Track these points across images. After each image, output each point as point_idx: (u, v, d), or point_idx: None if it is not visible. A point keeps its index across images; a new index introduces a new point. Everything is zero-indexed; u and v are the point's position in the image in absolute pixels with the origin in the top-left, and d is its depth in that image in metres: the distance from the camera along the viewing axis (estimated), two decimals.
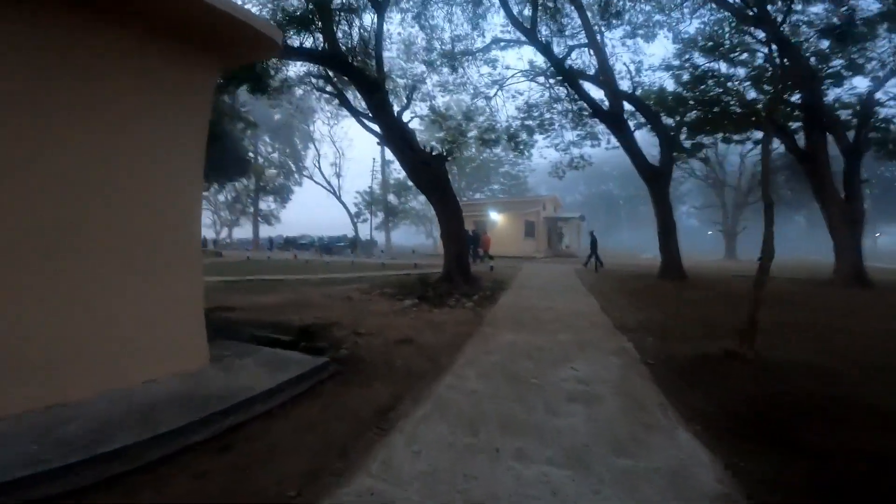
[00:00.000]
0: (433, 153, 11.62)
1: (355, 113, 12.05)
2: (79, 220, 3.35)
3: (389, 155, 42.46)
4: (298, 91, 22.98)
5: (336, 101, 12.54)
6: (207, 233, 53.80)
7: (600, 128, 18.71)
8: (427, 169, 11.01)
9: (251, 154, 35.93)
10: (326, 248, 34.09)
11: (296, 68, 13.00)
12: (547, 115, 18.56)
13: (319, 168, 43.73)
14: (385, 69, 11.77)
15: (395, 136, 11.18)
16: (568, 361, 4.98)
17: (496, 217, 29.14)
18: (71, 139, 3.31)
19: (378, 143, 11.22)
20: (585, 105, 16.78)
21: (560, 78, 16.14)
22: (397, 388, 4.14)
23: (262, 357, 4.66)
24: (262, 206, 41.81)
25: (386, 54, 15.14)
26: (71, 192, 3.31)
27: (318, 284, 12.48)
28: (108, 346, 3.54)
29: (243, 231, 48.90)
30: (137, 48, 3.65)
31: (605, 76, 15.47)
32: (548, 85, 18.03)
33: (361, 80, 10.80)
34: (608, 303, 9.24)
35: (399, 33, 23.41)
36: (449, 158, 13.85)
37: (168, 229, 3.88)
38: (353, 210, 42.57)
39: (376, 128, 11.75)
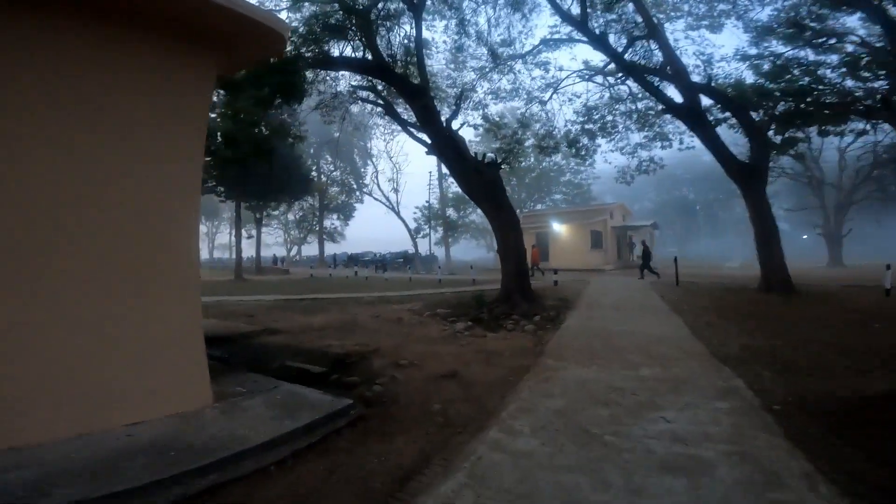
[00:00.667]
0: (485, 160, 10.75)
1: (403, 123, 11.56)
2: (50, 234, 2.86)
3: (446, 168, 42.45)
4: (353, 108, 23.37)
5: (385, 113, 12.13)
6: (279, 251, 56.92)
7: (670, 127, 16.87)
8: (479, 178, 10.15)
9: (314, 173, 37.38)
10: (382, 264, 34.12)
11: (345, 80, 12.85)
12: (609, 118, 17.04)
13: (378, 184, 44.61)
14: (429, 76, 11.20)
15: (443, 144, 10.48)
16: (656, 408, 3.78)
17: (559, 228, 27.52)
18: (42, 147, 2.84)
19: (427, 153, 10.50)
20: (652, 103, 15.13)
21: (621, 75, 14.67)
22: (428, 443, 3.23)
23: (278, 396, 3.97)
24: (327, 223, 43.34)
25: (432, 63, 14.73)
26: (42, 203, 2.83)
27: (372, 303, 11.97)
28: (85, 382, 3.00)
29: (312, 248, 50.87)
30: (123, 44, 3.16)
31: (674, 68, 13.80)
32: (607, 84, 16.61)
33: (403, 85, 10.27)
34: (700, 324, 7.69)
35: (444, 41, 22.95)
36: (503, 166, 12.93)
37: (160, 246, 3.33)
38: (413, 225, 42.74)
39: (426, 138, 11.15)
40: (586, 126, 16.98)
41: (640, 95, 16.09)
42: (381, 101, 11.49)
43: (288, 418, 3.41)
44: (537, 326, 7.82)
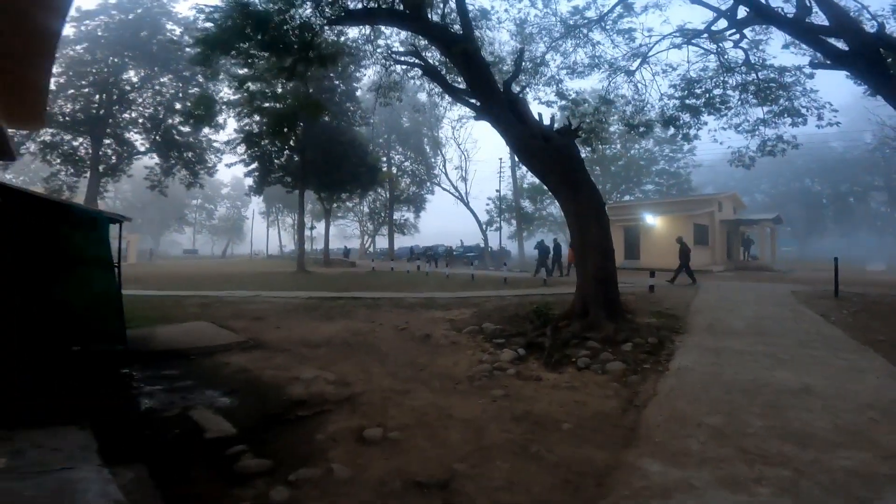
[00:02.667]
0: (554, 126, 7.97)
1: (447, 86, 9.08)
2: None
3: (504, 142, 39.26)
4: (420, 95, 21.64)
5: (424, 74, 9.77)
6: (352, 243, 57.53)
7: (803, 101, 12.55)
8: (546, 150, 7.39)
9: (384, 163, 36.28)
10: (433, 257, 31.66)
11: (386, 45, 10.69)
12: (717, 91, 13.16)
13: (445, 173, 42.40)
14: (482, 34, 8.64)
15: (497, 107, 7.85)
16: None
17: (653, 221, 23.25)
18: None
19: (476, 118, 7.95)
20: (773, 74, 11.39)
21: (733, 32, 11.02)
22: None
23: None
24: (398, 215, 42.29)
25: (494, 35, 12.30)
26: None
27: (410, 308, 9.76)
28: None
29: (387, 241, 50.34)
30: None
31: (832, 11, 9.78)
32: (717, 49, 12.83)
33: (431, 30, 7.92)
34: None
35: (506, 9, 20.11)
36: (580, 135, 9.96)
37: None
38: (484, 218, 40.17)
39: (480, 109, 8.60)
40: (687, 101, 13.31)
41: (757, 62, 12.36)
42: (420, 63, 9.12)
43: None
44: (627, 364, 4.98)
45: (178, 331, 6.73)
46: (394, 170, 39.29)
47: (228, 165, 23.70)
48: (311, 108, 9.75)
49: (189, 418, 3.33)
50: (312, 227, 32.53)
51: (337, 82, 24.21)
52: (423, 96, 25.19)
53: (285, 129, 9.40)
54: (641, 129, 14.60)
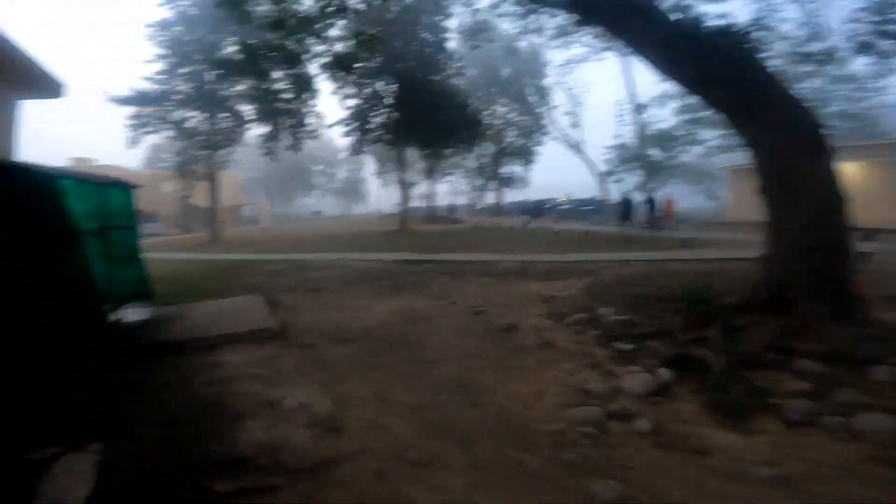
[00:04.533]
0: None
1: None
2: None
3: (644, 96, 32.94)
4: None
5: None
6: (458, 199, 56.37)
7: None
8: (704, 50, 4.42)
9: (487, 116, 33.43)
10: (535, 212, 28.17)
11: None
12: None
13: (555, 121, 37.66)
14: None
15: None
16: None
17: (856, 167, 16.94)
18: None
19: (584, 22, 5.11)
20: None
21: None
22: None
23: None
24: (505, 169, 39.47)
25: None
26: None
27: (502, 276, 7.70)
28: None
29: (498, 196, 47.85)
30: None
31: None
32: None
33: None
34: None
35: None
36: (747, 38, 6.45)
37: None
38: (603, 168, 35.25)
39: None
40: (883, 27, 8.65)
41: None
42: None
43: None
44: (881, 416, 2.35)
45: (211, 309, 5.69)
46: (497, 122, 36.20)
47: (329, 126, 23.43)
48: (368, 41, 7.89)
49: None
50: (413, 185, 31.71)
51: (425, 34, 22.14)
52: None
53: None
54: (819, 59, 10.48)
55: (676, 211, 18.38)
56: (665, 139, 34.26)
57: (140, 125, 19.43)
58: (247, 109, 21.46)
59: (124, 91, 18.81)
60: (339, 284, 7.39)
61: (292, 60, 7.38)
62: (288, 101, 21.35)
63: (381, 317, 5.18)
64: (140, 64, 26.24)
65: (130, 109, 19.16)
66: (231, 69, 7.58)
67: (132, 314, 5.52)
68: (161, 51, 18.25)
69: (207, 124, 20.37)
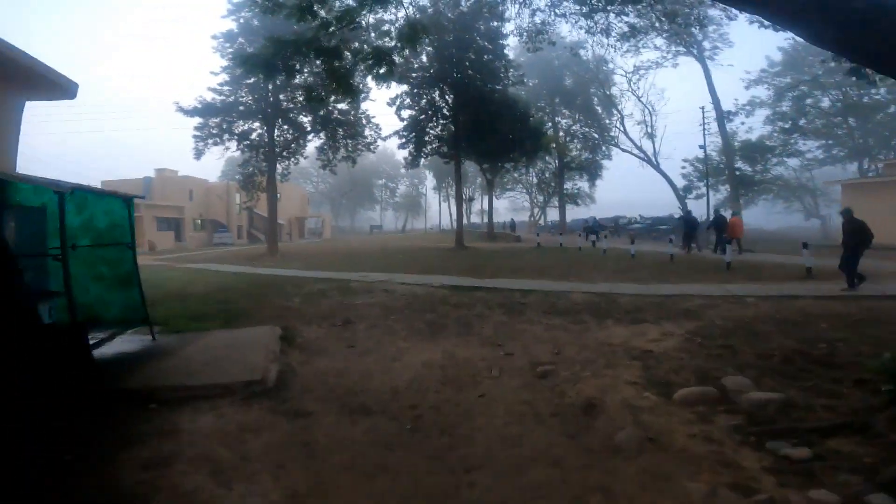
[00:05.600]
0: None
1: None
2: None
3: (730, 103, 29.58)
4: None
5: None
6: (522, 216, 54.48)
7: None
8: None
9: (549, 128, 31.59)
10: (593, 230, 25.55)
11: None
12: None
13: (625, 131, 34.72)
14: None
15: None
16: None
17: None
18: None
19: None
20: None
21: None
22: None
23: None
24: (569, 184, 37.20)
25: None
26: None
27: (572, 314, 6.17)
28: None
29: (562, 213, 45.64)
30: None
31: None
32: None
33: None
34: None
35: None
36: None
37: None
38: (681, 183, 32.05)
39: None
40: None
41: None
42: None
43: None
44: None
45: (214, 342, 4.72)
46: (561, 135, 34.21)
47: (384, 138, 22.99)
48: (411, 34, 6.80)
49: None
50: (471, 200, 30.57)
51: (483, 42, 21.15)
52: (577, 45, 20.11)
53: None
54: None
55: (742, 232, 16.06)
56: (756, 150, 30.53)
57: (204, 137, 19.97)
58: (306, 120, 21.52)
59: (192, 103, 19.45)
60: (376, 315, 6.23)
61: (328, 55, 6.52)
62: (341, 111, 21.47)
63: (413, 370, 3.89)
64: (209, 76, 27.41)
65: (196, 121, 19.78)
66: (255, 65, 6.84)
67: (121, 344, 4.70)
68: (226, 62, 18.65)
69: (268, 136, 20.59)
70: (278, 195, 23.17)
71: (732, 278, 9.11)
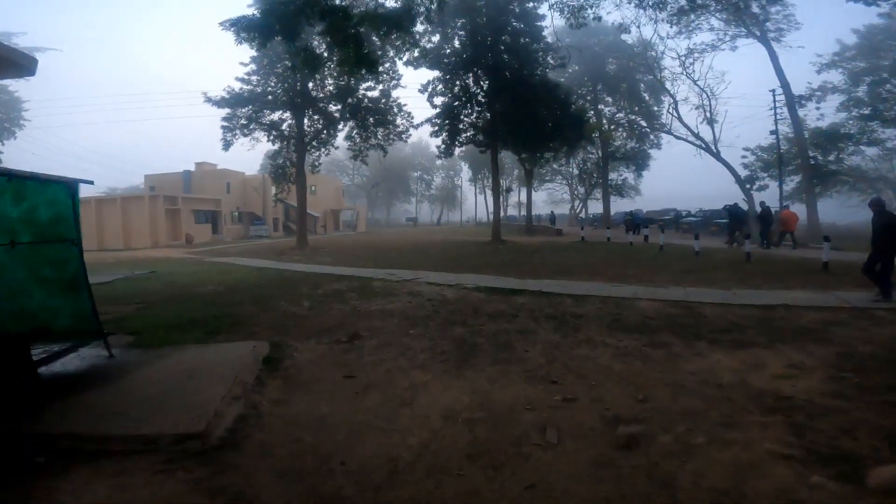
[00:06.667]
0: None
1: None
2: None
3: (798, 88, 26.36)
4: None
5: None
6: (562, 208, 52.03)
7: None
8: None
9: (590, 115, 29.12)
10: (634, 224, 23.23)
11: None
12: None
13: (679, 117, 31.60)
14: None
15: None
16: None
17: None
18: None
19: None
20: None
21: None
22: None
23: None
24: (614, 175, 34.59)
25: None
26: None
27: (648, 332, 4.74)
28: None
29: (606, 206, 42.85)
30: None
31: None
32: None
33: None
34: None
35: None
36: None
37: None
38: (743, 174, 28.96)
39: None
40: None
41: None
42: None
43: None
44: None
45: (177, 363, 3.66)
46: (604, 122, 31.66)
47: (416, 126, 21.78)
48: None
49: None
50: (508, 190, 28.94)
51: (518, 24, 19.59)
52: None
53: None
54: None
55: (796, 226, 15.10)
56: (831, 138, 27.13)
57: (232, 127, 19.50)
58: (335, 109, 20.68)
59: (220, 94, 19.00)
60: (392, 328, 5.01)
61: (333, 14, 5.36)
62: (371, 99, 20.58)
63: (428, 429, 2.62)
64: (238, 66, 27.13)
65: (224, 112, 19.32)
66: (252, 30, 5.80)
67: (73, 360, 3.75)
68: (254, 52, 18.03)
69: (297, 125, 19.91)
70: (313, 187, 22.56)
71: (836, 283, 7.30)
